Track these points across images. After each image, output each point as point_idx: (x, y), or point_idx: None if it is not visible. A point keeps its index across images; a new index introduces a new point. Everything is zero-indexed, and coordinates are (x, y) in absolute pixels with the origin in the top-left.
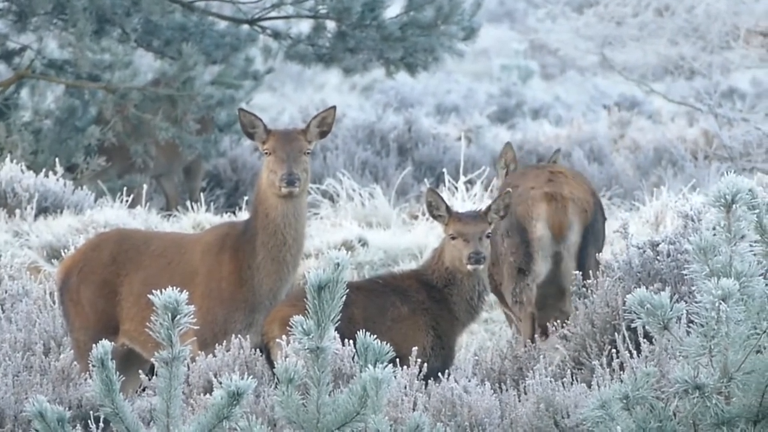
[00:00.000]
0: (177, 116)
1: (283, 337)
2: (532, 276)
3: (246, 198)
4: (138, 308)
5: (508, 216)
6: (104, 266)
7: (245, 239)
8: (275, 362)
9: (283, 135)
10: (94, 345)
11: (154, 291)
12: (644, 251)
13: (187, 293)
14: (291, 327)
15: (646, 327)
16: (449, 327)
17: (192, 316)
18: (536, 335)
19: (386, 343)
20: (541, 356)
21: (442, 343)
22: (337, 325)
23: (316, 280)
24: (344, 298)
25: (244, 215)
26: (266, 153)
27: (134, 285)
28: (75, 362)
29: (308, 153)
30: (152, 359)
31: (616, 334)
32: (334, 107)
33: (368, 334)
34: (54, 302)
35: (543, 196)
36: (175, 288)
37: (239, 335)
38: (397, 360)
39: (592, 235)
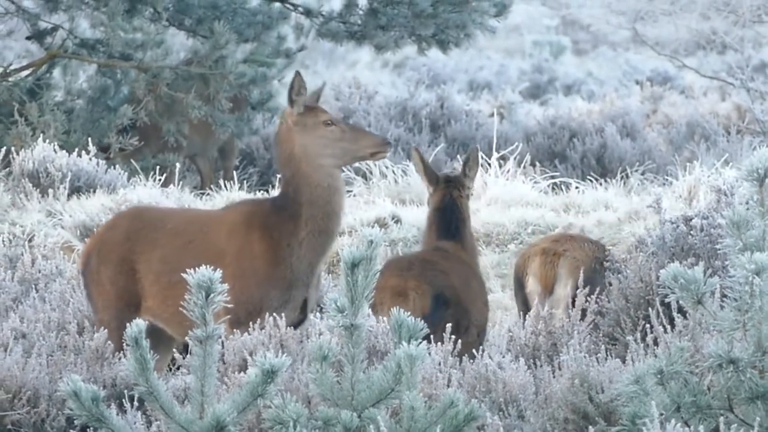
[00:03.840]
0: (209, 95)
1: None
2: None
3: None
4: (159, 286)
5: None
6: (120, 244)
7: (284, 216)
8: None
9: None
10: (119, 323)
11: (176, 270)
12: (677, 226)
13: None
14: (402, 297)
15: (680, 302)
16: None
17: (225, 296)
18: None
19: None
20: (576, 332)
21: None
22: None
23: (350, 257)
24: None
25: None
26: (327, 124)
27: (152, 263)
28: (108, 341)
29: None
30: (177, 336)
31: (650, 309)
32: (297, 72)
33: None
34: None
35: (537, 252)
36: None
37: (274, 313)
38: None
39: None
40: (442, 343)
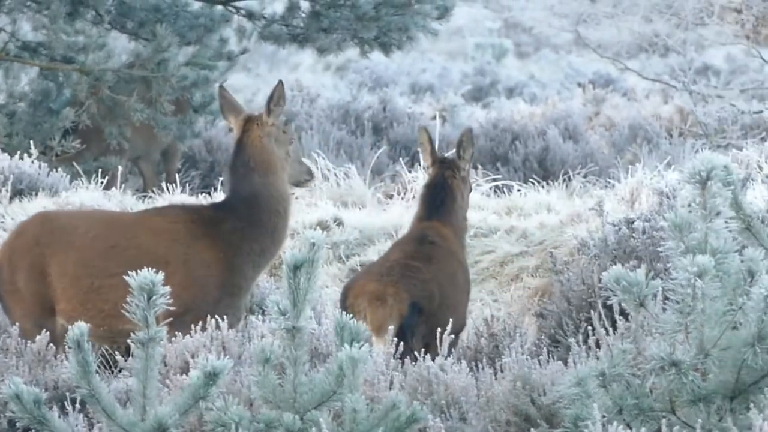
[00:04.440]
0: (152, 98)
1: (372, 311)
2: None
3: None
4: (76, 290)
5: None
6: (29, 250)
7: (242, 223)
8: None
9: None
10: (39, 329)
11: (98, 275)
12: (620, 229)
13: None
14: (380, 301)
15: (622, 304)
16: None
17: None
18: None
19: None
20: (518, 334)
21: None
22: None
23: (292, 260)
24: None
25: (220, 196)
26: (292, 142)
27: (68, 266)
28: (51, 344)
29: None
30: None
31: (592, 311)
32: (280, 81)
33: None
34: None
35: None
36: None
37: (216, 316)
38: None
39: None
40: (417, 348)
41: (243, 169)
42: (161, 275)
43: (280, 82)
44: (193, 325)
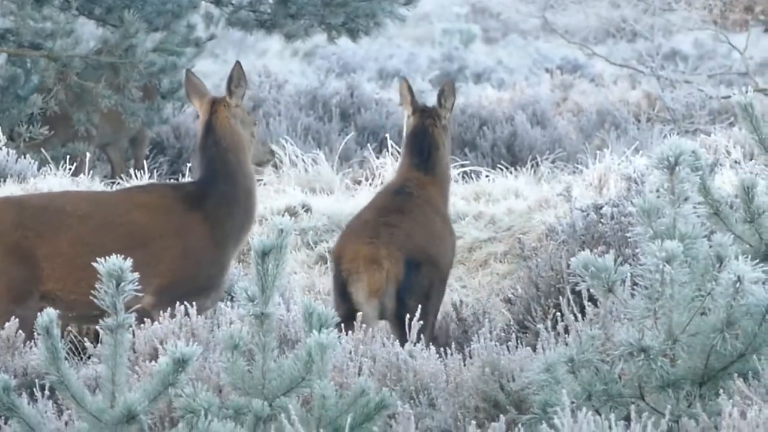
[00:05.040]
0: (119, 84)
1: (369, 275)
2: None
3: (189, 165)
4: (70, 269)
5: None
6: (9, 234)
7: (221, 201)
8: (353, 299)
9: None
10: (9, 316)
11: (95, 252)
12: (588, 214)
13: (154, 255)
14: (376, 264)
15: (591, 290)
16: None
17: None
18: None
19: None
20: (486, 320)
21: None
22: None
23: (261, 246)
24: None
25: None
26: (255, 123)
27: (60, 246)
28: (20, 330)
29: None
30: (76, 320)
31: (560, 297)
32: (237, 62)
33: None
34: None
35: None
36: (127, 249)
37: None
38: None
39: None
40: (419, 307)
41: (215, 149)
42: (129, 261)
43: (237, 62)
44: (186, 303)
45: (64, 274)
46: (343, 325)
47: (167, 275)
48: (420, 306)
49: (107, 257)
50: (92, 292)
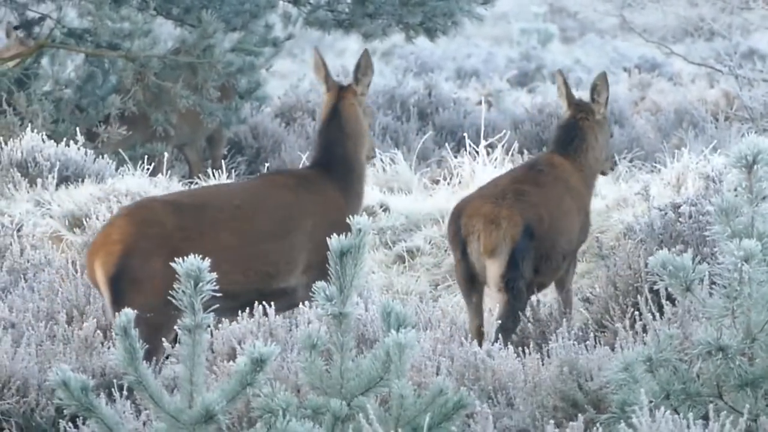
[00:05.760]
0: (197, 84)
1: (486, 234)
2: None
3: (267, 164)
4: (236, 260)
5: None
6: (169, 236)
7: (342, 184)
8: (470, 257)
9: None
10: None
11: (262, 239)
12: (666, 213)
13: (307, 235)
14: (494, 224)
15: (669, 289)
16: None
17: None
18: None
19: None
20: (564, 319)
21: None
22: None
23: (338, 246)
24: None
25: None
26: (374, 116)
27: (224, 240)
28: (98, 331)
29: None
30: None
31: (638, 296)
32: (365, 50)
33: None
34: (76, 271)
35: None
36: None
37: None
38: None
39: None
40: (529, 275)
41: (338, 134)
42: (207, 262)
43: (366, 51)
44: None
45: (229, 268)
46: (462, 289)
47: (318, 253)
48: (525, 279)
49: (270, 243)
50: (256, 276)
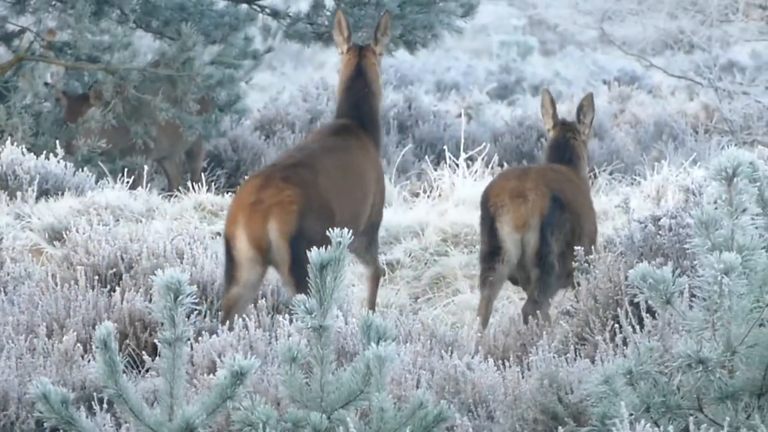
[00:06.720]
0: (177, 97)
1: (515, 208)
2: None
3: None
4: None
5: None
6: (323, 196)
7: (371, 139)
8: (498, 235)
9: None
10: None
11: (361, 201)
12: (646, 226)
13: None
14: (521, 198)
15: (649, 302)
16: None
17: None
18: None
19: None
20: (544, 332)
21: None
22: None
23: (318, 259)
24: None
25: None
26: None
27: (353, 195)
28: (78, 344)
29: None
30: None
31: (618, 309)
32: (386, 11)
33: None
34: (56, 284)
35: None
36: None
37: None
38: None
39: None
40: (559, 249)
41: (365, 91)
42: (186, 275)
43: (386, 12)
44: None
45: (356, 226)
46: (481, 271)
47: (376, 213)
48: (555, 253)
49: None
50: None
